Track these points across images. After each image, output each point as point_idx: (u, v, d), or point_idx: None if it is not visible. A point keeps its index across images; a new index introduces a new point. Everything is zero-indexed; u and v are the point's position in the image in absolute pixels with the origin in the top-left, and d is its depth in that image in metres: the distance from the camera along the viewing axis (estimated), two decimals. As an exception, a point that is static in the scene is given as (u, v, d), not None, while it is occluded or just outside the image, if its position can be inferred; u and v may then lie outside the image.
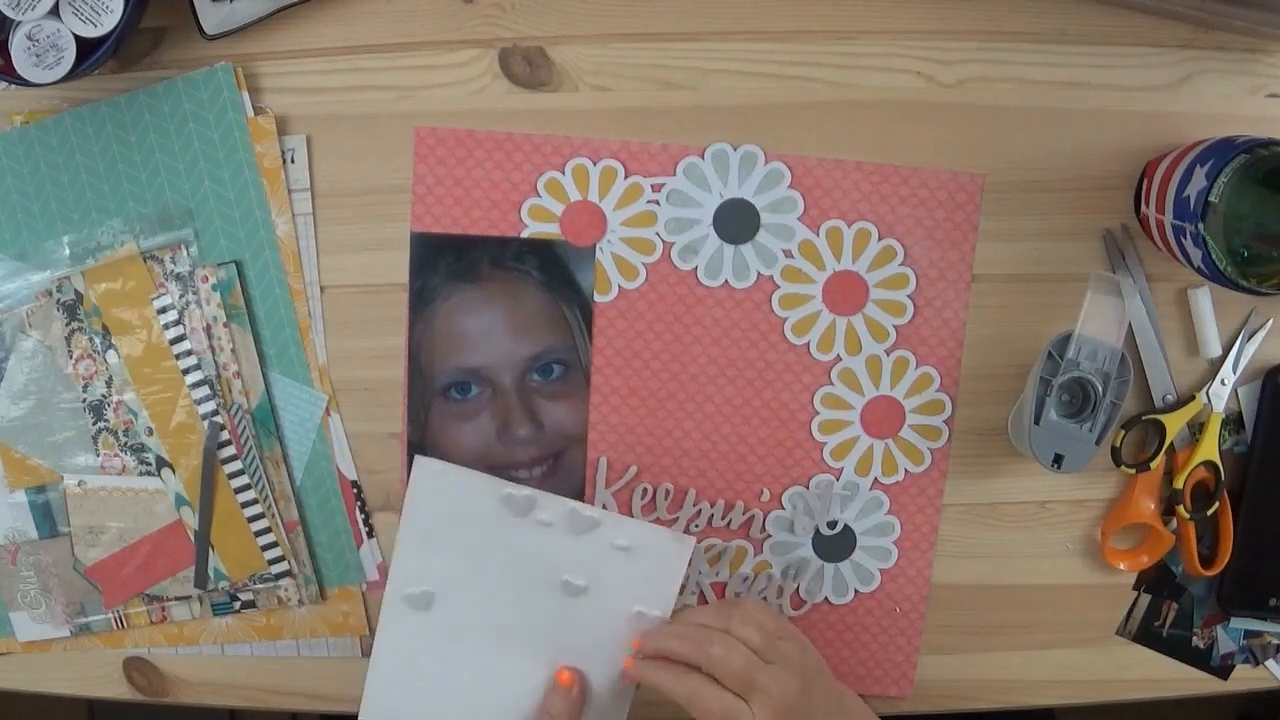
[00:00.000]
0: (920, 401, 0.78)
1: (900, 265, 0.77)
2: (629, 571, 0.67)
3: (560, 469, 0.79)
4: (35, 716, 1.05)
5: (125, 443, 0.78)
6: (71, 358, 0.78)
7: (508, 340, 0.77)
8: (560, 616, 0.68)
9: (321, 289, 0.78)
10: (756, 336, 0.78)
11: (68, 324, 0.77)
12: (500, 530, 0.66)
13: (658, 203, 0.76)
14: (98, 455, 0.78)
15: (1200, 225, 0.65)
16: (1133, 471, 0.77)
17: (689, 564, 0.68)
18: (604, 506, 0.79)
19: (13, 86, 0.71)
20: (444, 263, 0.77)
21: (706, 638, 0.67)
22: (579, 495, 0.79)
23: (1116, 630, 0.80)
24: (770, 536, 0.80)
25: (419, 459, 0.65)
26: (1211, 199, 0.64)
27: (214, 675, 0.82)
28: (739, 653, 0.66)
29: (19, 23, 0.68)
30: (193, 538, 0.79)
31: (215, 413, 0.77)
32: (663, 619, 0.68)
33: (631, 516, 0.78)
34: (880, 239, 0.76)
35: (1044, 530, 0.79)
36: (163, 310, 0.77)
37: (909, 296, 0.77)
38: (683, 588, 0.80)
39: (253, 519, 0.78)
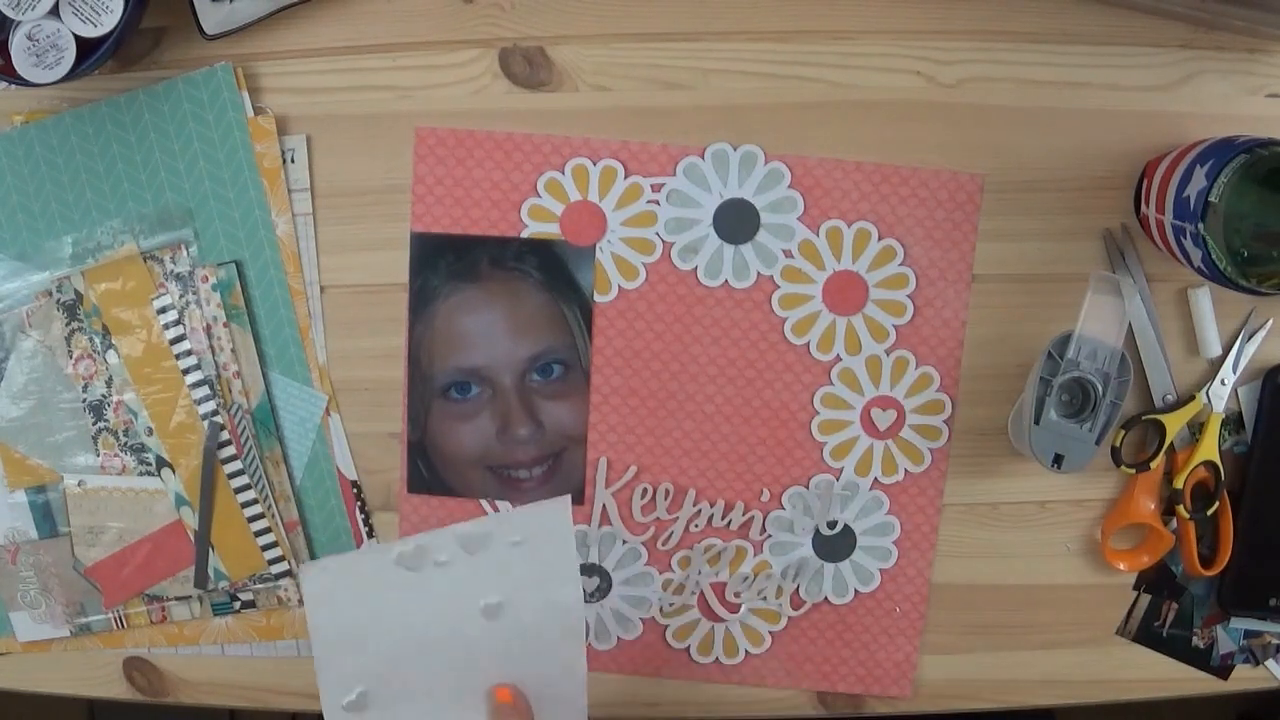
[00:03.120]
0: (920, 401, 0.78)
1: (900, 265, 0.77)
2: (530, 561, 0.66)
3: (560, 469, 0.79)
4: (35, 716, 1.05)
5: (125, 443, 0.78)
6: (71, 358, 0.78)
7: (508, 340, 0.77)
8: (492, 643, 0.67)
9: (321, 289, 0.78)
10: (756, 336, 0.78)
11: (68, 324, 0.77)
12: (406, 591, 0.65)
13: (658, 203, 0.76)
14: (98, 455, 0.78)
15: (1200, 225, 0.65)
16: (1133, 471, 0.77)
17: (572, 527, 0.66)
18: (604, 506, 0.79)
19: (13, 86, 0.71)
20: (444, 263, 0.77)
21: None
22: (579, 495, 0.79)
23: (1116, 630, 0.80)
24: (770, 536, 0.80)
25: (303, 566, 0.64)
26: (1211, 199, 0.64)
27: (214, 675, 0.82)
28: None
29: (19, 23, 0.68)
30: (193, 538, 0.79)
31: (215, 413, 0.77)
32: (577, 593, 0.68)
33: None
34: (880, 239, 0.76)
35: (1044, 530, 0.79)
36: (163, 310, 0.77)
37: (909, 296, 0.77)
38: (681, 588, 0.80)
39: (253, 519, 0.78)
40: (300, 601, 0.80)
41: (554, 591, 0.67)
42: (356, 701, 0.66)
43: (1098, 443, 0.73)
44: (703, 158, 0.76)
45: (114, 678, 0.82)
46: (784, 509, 0.79)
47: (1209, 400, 0.76)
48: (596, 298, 0.77)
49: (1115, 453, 0.76)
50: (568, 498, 0.66)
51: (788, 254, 0.77)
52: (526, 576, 0.67)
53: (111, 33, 0.68)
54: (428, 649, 0.67)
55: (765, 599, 0.80)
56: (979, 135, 0.75)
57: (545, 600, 0.67)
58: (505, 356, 0.78)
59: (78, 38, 0.68)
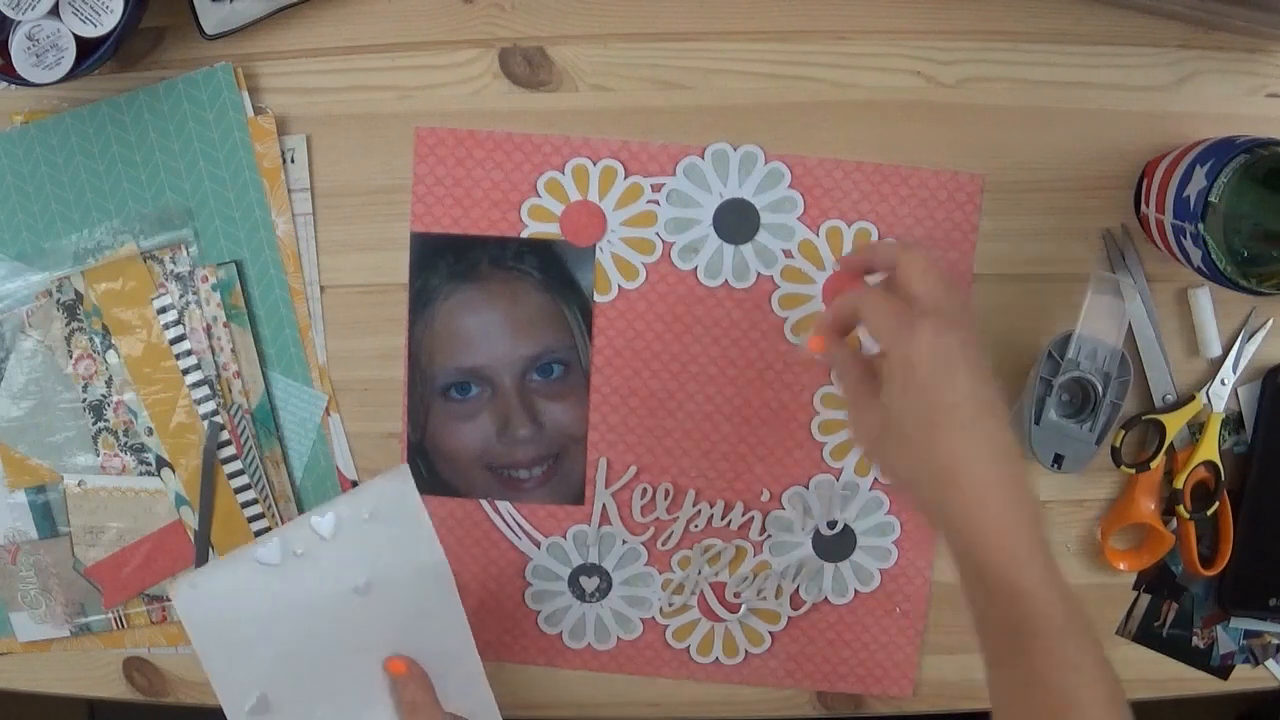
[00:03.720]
0: (920, 401, 0.78)
1: (900, 265, 0.77)
2: (386, 535, 0.68)
3: (560, 469, 0.79)
4: (35, 716, 1.05)
5: (125, 443, 0.78)
6: (71, 358, 0.78)
7: (507, 340, 0.77)
8: (372, 620, 0.69)
9: (321, 289, 0.78)
10: (756, 336, 0.78)
11: (68, 324, 0.77)
12: (274, 588, 0.67)
13: (658, 203, 0.76)
14: (98, 455, 0.78)
15: (1200, 225, 0.65)
16: (1133, 471, 0.77)
17: (418, 493, 0.68)
18: (604, 506, 0.79)
19: (13, 86, 0.71)
20: (444, 263, 0.77)
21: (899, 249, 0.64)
22: (579, 495, 0.79)
23: (1116, 630, 0.80)
24: (770, 536, 0.80)
25: (174, 584, 0.66)
26: (1211, 199, 0.64)
27: (214, 675, 0.82)
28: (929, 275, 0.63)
29: (19, 23, 0.68)
30: (193, 538, 0.79)
31: (215, 413, 0.77)
32: (439, 555, 0.69)
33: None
34: (880, 239, 0.76)
35: (1044, 530, 0.79)
36: (163, 310, 0.77)
37: (909, 296, 0.77)
38: (681, 588, 0.80)
39: (253, 519, 0.78)
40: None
41: (415, 556, 0.68)
42: (257, 705, 0.68)
43: (1098, 443, 0.73)
44: (703, 158, 0.76)
45: (114, 678, 0.82)
46: (784, 509, 0.79)
47: (1209, 400, 0.76)
48: (596, 298, 0.77)
49: (1115, 453, 0.76)
50: (404, 465, 0.69)
51: (788, 254, 0.77)
52: (386, 549, 0.68)
53: (111, 33, 0.68)
54: (314, 640, 0.68)
55: (765, 599, 0.80)
56: (979, 135, 0.75)
57: (409, 567, 0.68)
58: (505, 356, 0.78)
59: (78, 38, 0.68)
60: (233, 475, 0.78)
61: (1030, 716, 0.59)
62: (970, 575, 0.62)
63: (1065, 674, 0.58)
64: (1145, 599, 0.80)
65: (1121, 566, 0.79)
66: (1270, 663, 0.80)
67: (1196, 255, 0.66)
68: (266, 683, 0.67)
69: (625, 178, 0.76)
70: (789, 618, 0.81)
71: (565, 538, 0.80)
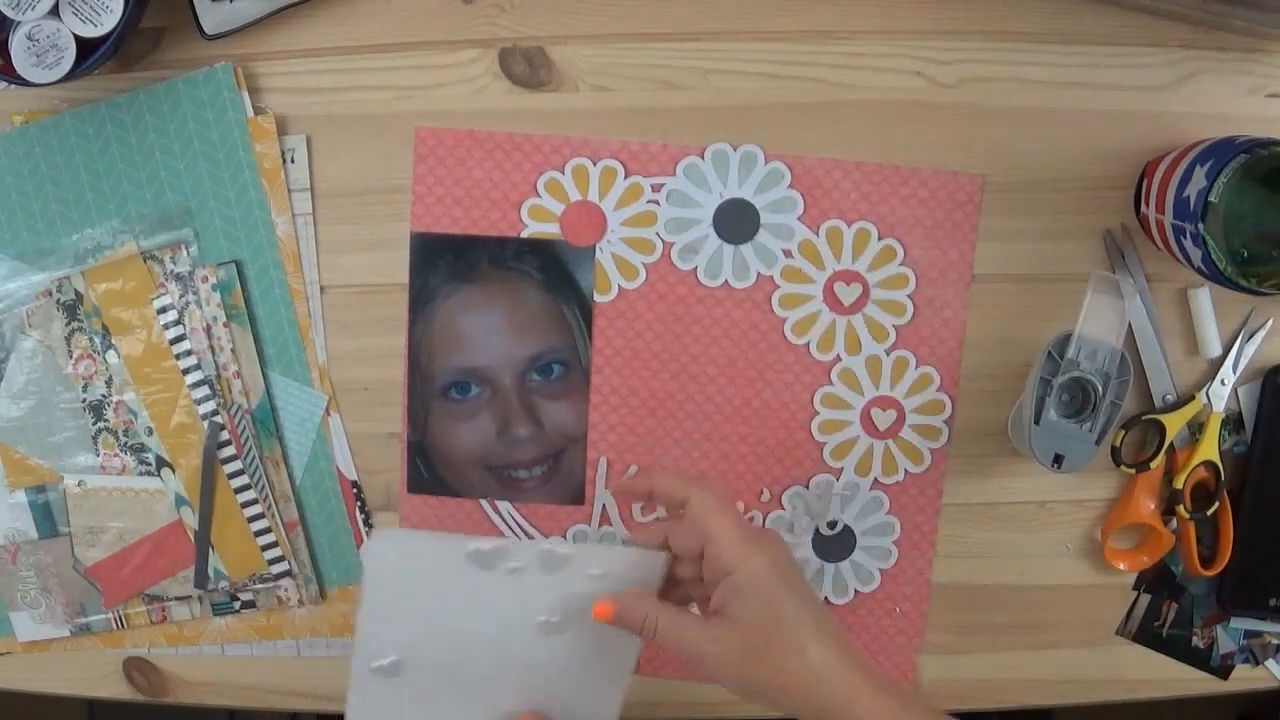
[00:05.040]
0: (920, 401, 0.78)
1: (900, 265, 0.77)
2: (605, 596, 0.66)
3: (560, 469, 0.79)
4: (35, 716, 1.05)
5: (125, 443, 0.78)
6: (71, 358, 0.78)
7: (508, 340, 0.77)
8: (539, 658, 0.66)
9: (321, 289, 0.78)
10: (756, 336, 0.78)
11: (68, 324, 0.77)
12: (469, 586, 0.64)
13: (658, 203, 0.76)
14: (98, 455, 0.78)
15: (1200, 225, 0.65)
16: (1133, 471, 0.77)
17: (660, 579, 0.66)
18: (603, 506, 0.79)
19: (13, 86, 0.71)
20: (444, 263, 0.77)
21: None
22: (579, 495, 0.79)
23: (1116, 630, 0.80)
24: (770, 536, 0.80)
25: (379, 530, 0.63)
26: (1211, 199, 0.64)
27: (214, 675, 0.82)
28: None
29: (19, 23, 0.68)
30: (193, 538, 0.79)
31: (215, 413, 0.77)
32: (635, 646, 0.67)
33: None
34: (880, 239, 0.76)
35: (1044, 530, 0.79)
36: (163, 310, 0.77)
37: (909, 296, 0.77)
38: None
39: (253, 519, 0.78)
40: (300, 602, 0.80)
41: (616, 635, 0.65)
42: (388, 668, 0.65)
43: (1098, 443, 0.73)
44: (703, 158, 0.76)
45: (114, 678, 0.82)
46: (784, 509, 0.79)
47: (1209, 400, 0.76)
48: (596, 298, 0.77)
49: (1115, 453, 0.76)
50: (667, 556, 0.65)
51: (788, 254, 0.77)
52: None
53: (111, 33, 0.68)
54: (473, 645, 0.66)
55: (765, 599, 0.80)
56: (979, 135, 0.75)
57: (604, 640, 0.66)
58: (505, 356, 0.78)
59: (78, 38, 0.68)
60: (233, 475, 0.78)
61: None
62: None
63: None
64: (1145, 599, 0.80)
65: (1121, 566, 0.79)
66: (1270, 663, 0.80)
67: (1196, 255, 0.66)
68: (408, 654, 0.66)
69: (625, 178, 0.76)
70: (789, 618, 0.80)
71: (565, 538, 0.80)
